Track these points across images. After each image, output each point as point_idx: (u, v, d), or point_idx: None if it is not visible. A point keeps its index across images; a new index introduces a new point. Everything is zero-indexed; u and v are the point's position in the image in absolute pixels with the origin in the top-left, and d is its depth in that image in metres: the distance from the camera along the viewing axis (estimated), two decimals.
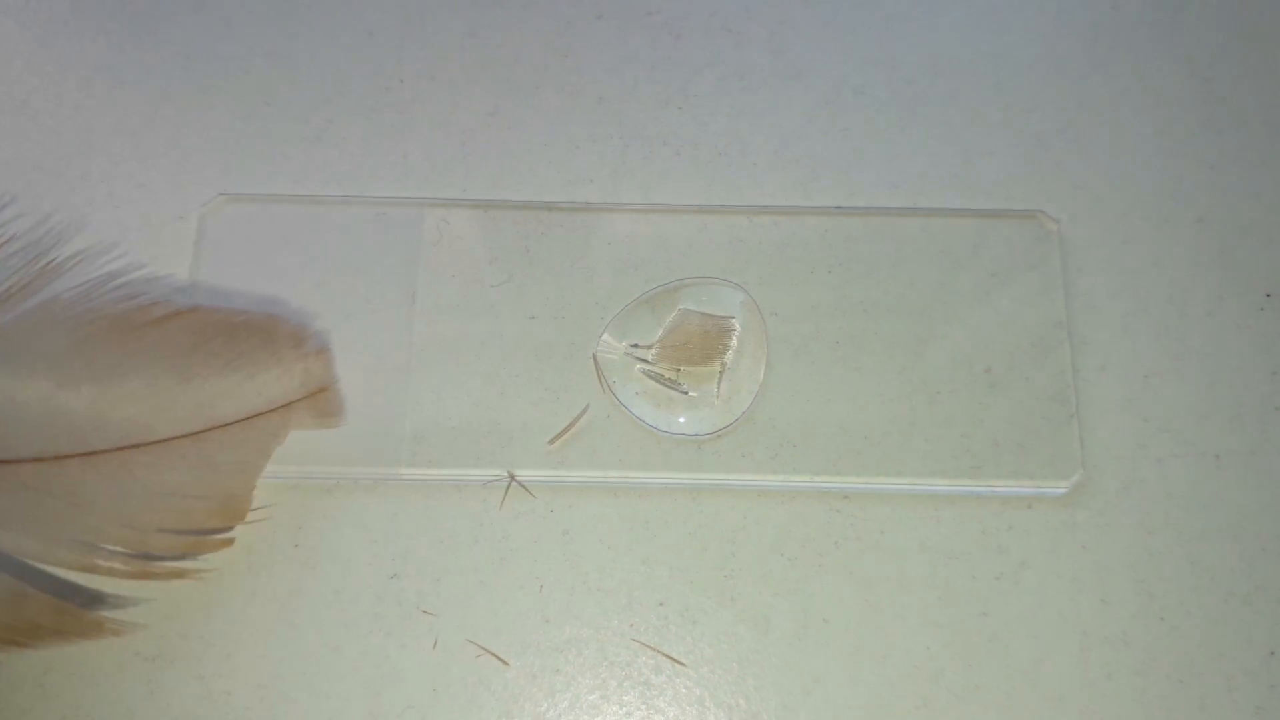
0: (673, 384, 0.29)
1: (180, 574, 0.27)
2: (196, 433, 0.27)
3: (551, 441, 0.29)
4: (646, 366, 0.29)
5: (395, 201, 0.31)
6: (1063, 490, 0.28)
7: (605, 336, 0.29)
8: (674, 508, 0.28)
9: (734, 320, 0.29)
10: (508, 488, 0.29)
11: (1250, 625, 0.27)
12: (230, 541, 0.27)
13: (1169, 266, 0.30)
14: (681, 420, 0.28)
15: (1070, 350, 0.29)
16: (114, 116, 0.32)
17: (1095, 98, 0.32)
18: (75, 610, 0.26)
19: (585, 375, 0.29)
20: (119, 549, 0.26)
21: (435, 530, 0.28)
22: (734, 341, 0.29)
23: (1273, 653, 0.27)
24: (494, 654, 0.27)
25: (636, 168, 0.32)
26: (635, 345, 0.29)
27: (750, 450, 0.28)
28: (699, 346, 0.29)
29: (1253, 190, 0.31)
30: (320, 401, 0.28)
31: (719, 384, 0.29)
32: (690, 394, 0.29)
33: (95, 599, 0.27)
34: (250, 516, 0.27)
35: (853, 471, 0.28)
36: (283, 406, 0.27)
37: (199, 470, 0.27)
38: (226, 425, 0.27)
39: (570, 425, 0.29)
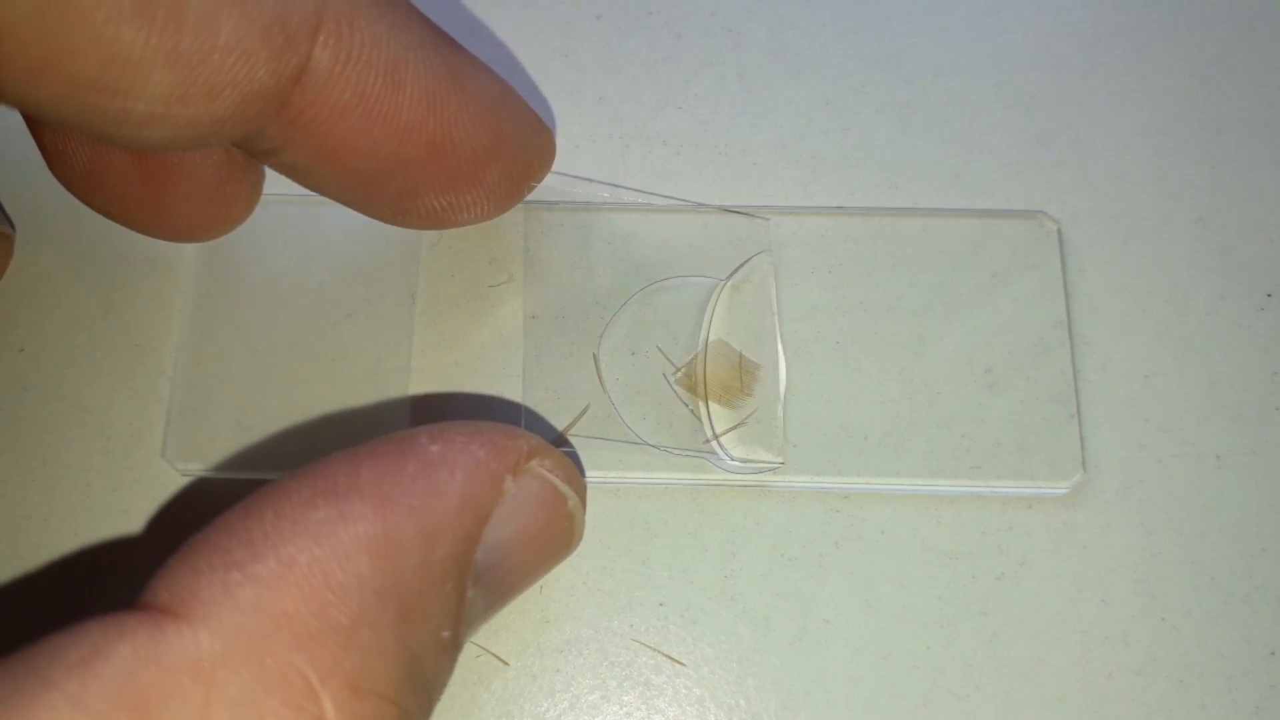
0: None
1: None
2: None
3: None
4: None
5: None
6: (1063, 490, 0.28)
7: (605, 336, 0.29)
8: (674, 508, 0.28)
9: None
10: None
11: (1250, 625, 0.27)
12: None
13: (1169, 266, 0.30)
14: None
15: (1071, 350, 0.29)
16: None
17: (1095, 98, 0.32)
18: None
19: (585, 375, 0.29)
20: None
21: None
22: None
23: (1273, 653, 0.27)
24: (494, 654, 0.27)
25: (636, 168, 0.32)
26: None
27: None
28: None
29: (1253, 190, 0.31)
30: None
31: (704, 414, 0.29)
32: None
33: None
34: None
35: (853, 472, 0.28)
36: None
37: None
38: None
39: (570, 425, 0.29)
